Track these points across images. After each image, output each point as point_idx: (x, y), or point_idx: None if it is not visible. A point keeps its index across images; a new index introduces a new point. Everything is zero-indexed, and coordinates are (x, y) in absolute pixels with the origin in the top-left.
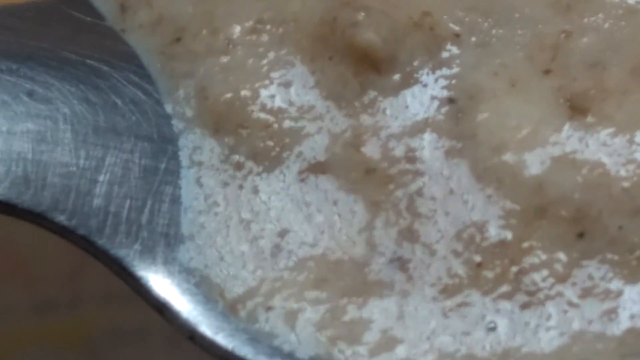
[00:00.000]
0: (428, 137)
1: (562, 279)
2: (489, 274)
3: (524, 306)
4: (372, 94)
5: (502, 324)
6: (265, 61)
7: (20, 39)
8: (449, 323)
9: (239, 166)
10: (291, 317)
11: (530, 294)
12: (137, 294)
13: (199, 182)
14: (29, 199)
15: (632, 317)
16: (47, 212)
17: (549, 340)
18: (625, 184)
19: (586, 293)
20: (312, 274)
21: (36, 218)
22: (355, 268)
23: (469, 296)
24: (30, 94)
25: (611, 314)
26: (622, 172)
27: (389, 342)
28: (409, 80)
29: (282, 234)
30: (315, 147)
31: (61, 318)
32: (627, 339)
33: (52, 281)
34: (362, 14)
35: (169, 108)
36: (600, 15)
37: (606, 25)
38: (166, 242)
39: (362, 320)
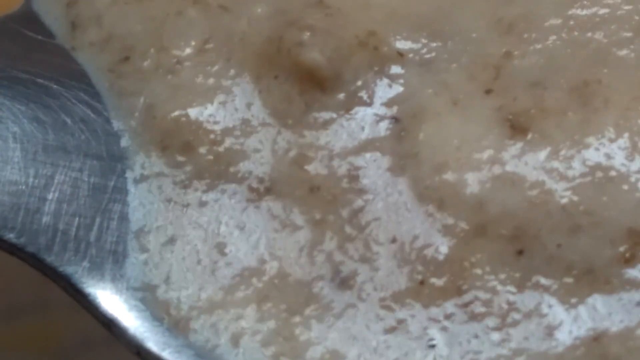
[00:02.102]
0: (371, 155)
1: (500, 297)
2: (431, 291)
3: (466, 323)
4: (317, 112)
5: (442, 340)
6: (212, 80)
7: None
8: (391, 339)
9: (184, 184)
10: (235, 334)
11: (470, 309)
12: (86, 310)
13: (146, 200)
14: None
15: (569, 334)
16: None
17: (488, 356)
18: (564, 202)
19: (525, 310)
20: (254, 292)
21: None
22: (298, 285)
23: (412, 313)
24: None
25: (549, 331)
26: (561, 191)
27: (332, 359)
28: (354, 99)
29: (226, 251)
30: (260, 165)
31: (30, 324)
32: (565, 356)
33: (20, 287)
34: (308, 33)
35: (117, 126)
36: (541, 36)
37: (547, 46)
38: (114, 259)
39: (306, 337)
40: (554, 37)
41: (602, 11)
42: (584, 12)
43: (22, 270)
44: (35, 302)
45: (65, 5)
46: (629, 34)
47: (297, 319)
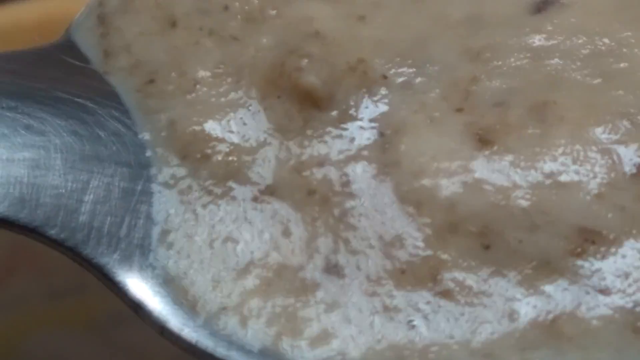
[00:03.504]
0: (360, 164)
1: (470, 285)
2: (411, 279)
3: (441, 307)
4: (314, 127)
5: (421, 321)
6: (224, 99)
7: (19, 80)
8: (376, 320)
9: (200, 188)
10: (243, 316)
11: (445, 295)
12: (116, 295)
13: (168, 202)
14: (24, 217)
15: (529, 317)
16: (40, 227)
17: (461, 334)
18: (523, 204)
19: (492, 297)
20: (259, 279)
21: (31, 232)
22: (296, 274)
23: (395, 298)
24: (27, 127)
25: (512, 314)
26: (521, 194)
27: (325, 337)
28: (345, 116)
29: (236, 246)
30: (265, 172)
31: (70, 303)
32: (527, 335)
33: (62, 272)
34: (306, 60)
35: (144, 138)
36: (504, 62)
37: (509, 71)
38: (141, 252)
39: (303, 318)
40: (516, 64)
41: (557, 43)
42: (542, 43)
43: (64, 258)
44: (74, 285)
45: (99, 36)
46: (578, 63)
47: (295, 303)
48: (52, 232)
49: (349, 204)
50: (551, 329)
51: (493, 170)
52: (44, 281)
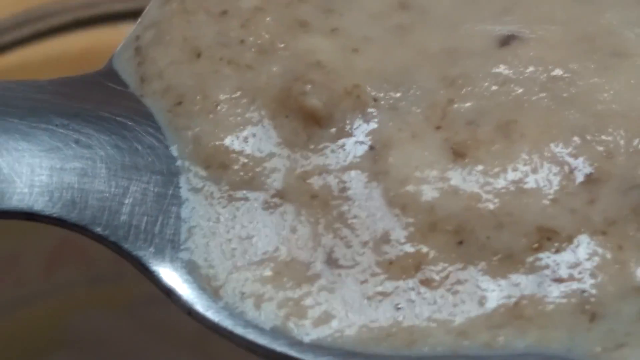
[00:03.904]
0: (354, 172)
1: (447, 274)
2: (397, 270)
3: (423, 293)
4: (316, 142)
5: (406, 304)
6: (240, 118)
7: (70, 102)
8: (369, 303)
9: (221, 193)
10: (258, 300)
11: (426, 283)
12: (151, 282)
13: (194, 204)
14: (75, 216)
15: (496, 301)
16: (88, 225)
17: (439, 316)
18: (491, 207)
19: (465, 284)
20: (271, 269)
21: (81, 229)
22: (302, 265)
23: (384, 285)
24: (77, 141)
25: (481, 299)
26: (489, 199)
27: (326, 318)
28: (342, 133)
29: (251, 241)
30: (276, 179)
31: (109, 287)
32: (494, 316)
33: (102, 261)
34: (309, 86)
35: (174, 151)
36: (475, 88)
37: (479, 95)
38: (172, 246)
39: (307, 302)
40: (485, 89)
41: (519, 72)
42: (506, 72)
43: (103, 249)
44: (112, 273)
45: (136, 65)
46: (536, 88)
47: (301, 289)
48: (99, 229)
49: (346, 206)
50: (514, 311)
51: (465, 179)
52: (86, 269)
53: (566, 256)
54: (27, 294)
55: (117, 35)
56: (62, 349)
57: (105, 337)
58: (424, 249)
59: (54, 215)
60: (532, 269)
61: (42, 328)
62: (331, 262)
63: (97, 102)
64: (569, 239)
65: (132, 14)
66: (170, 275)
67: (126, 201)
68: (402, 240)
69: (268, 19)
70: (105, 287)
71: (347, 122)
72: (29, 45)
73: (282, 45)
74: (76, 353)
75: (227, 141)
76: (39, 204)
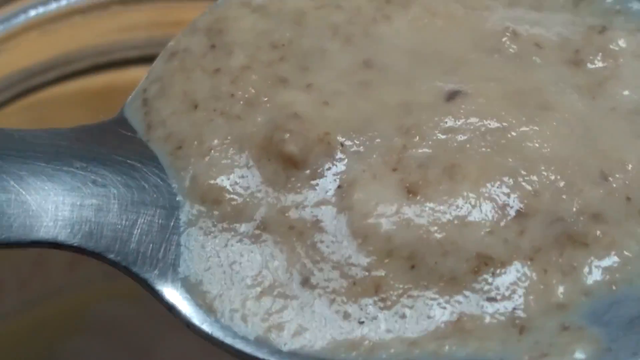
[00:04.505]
0: (325, 207)
1: (401, 294)
2: (360, 290)
3: (381, 309)
4: (293, 181)
5: (367, 320)
6: (230, 161)
7: (88, 147)
8: (336, 318)
9: (214, 224)
10: (245, 315)
11: (384, 301)
12: (156, 299)
13: (192, 234)
14: (92, 245)
15: (441, 317)
16: (103, 252)
17: (395, 328)
18: (438, 237)
19: (417, 302)
20: (256, 290)
21: (97, 256)
22: (281, 286)
23: (349, 304)
24: (94, 182)
25: (429, 314)
26: (436, 229)
27: (301, 331)
28: (315, 174)
29: (239, 266)
30: (259, 213)
31: (124, 282)
32: (440, 329)
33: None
34: (288, 134)
35: (175, 189)
36: (425, 137)
37: (429, 142)
38: (173, 270)
39: (285, 317)
40: (433, 137)
41: (462, 123)
42: (451, 123)
43: None
44: None
45: (143, 114)
46: (476, 136)
47: (281, 306)
48: (112, 256)
49: (318, 236)
50: (457, 325)
51: (417, 213)
52: (104, 266)
53: (500, 279)
54: (53, 288)
55: (129, 77)
56: (84, 334)
57: (121, 324)
58: (382, 273)
59: (75, 244)
60: (472, 290)
61: (66, 317)
62: (306, 283)
63: (111, 147)
64: (503, 264)
65: (142, 60)
66: (171, 293)
67: (135, 232)
68: (364, 265)
69: (254, 76)
70: (120, 281)
71: (320, 164)
72: (56, 85)
73: (265, 99)
74: (96, 338)
75: (219, 180)
76: (62, 236)
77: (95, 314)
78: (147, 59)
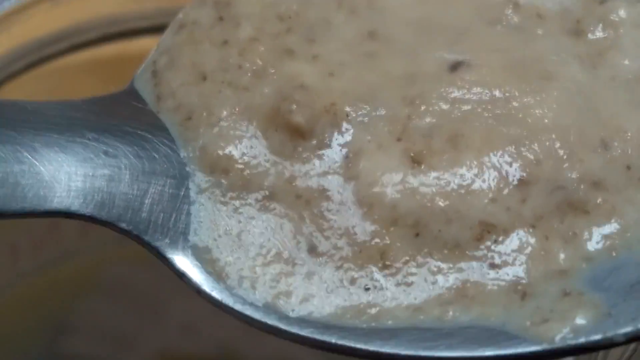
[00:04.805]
0: (332, 176)
1: (406, 261)
2: (365, 257)
3: (386, 276)
4: (300, 151)
5: (372, 286)
6: (238, 132)
7: (100, 118)
8: (343, 285)
9: (222, 193)
10: (253, 282)
11: (389, 268)
12: (167, 266)
13: (202, 202)
14: (104, 215)
15: (445, 282)
16: (115, 221)
17: (400, 295)
18: (442, 205)
19: (422, 269)
20: (264, 258)
21: (109, 225)
22: (289, 254)
23: (355, 270)
24: (105, 152)
25: (434, 281)
26: (440, 198)
27: (308, 297)
28: (322, 144)
29: (248, 234)
30: (267, 182)
31: (134, 246)
32: (444, 295)
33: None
34: (294, 105)
35: (185, 159)
36: (430, 106)
37: (433, 113)
38: (184, 238)
39: (293, 284)
40: (437, 107)
41: (465, 92)
42: (455, 93)
43: None
44: None
45: (153, 85)
46: (480, 107)
47: (287, 274)
48: (124, 225)
49: (324, 205)
50: (460, 291)
51: (422, 182)
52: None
53: (503, 246)
54: (67, 251)
55: (139, 47)
56: (97, 296)
57: (132, 286)
58: (387, 240)
59: (87, 214)
60: (475, 257)
61: (79, 279)
62: (313, 251)
63: (122, 118)
64: (505, 232)
65: (152, 30)
66: (182, 261)
67: (146, 201)
68: (369, 233)
69: (261, 48)
70: (132, 245)
71: (326, 135)
72: (68, 55)
73: (272, 70)
74: (108, 299)
75: (228, 150)
76: (75, 205)
77: (108, 276)
78: (158, 29)
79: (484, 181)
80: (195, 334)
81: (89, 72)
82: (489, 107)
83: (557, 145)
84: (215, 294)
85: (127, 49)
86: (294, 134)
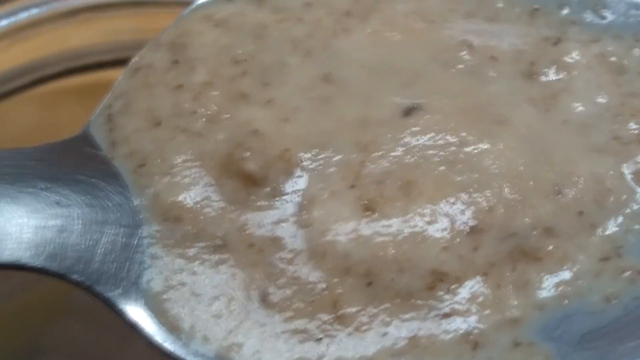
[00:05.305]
0: (285, 224)
1: (358, 311)
2: (318, 307)
3: (337, 327)
4: (253, 199)
5: (324, 336)
6: (192, 179)
7: (52, 167)
8: (294, 337)
9: (176, 242)
10: (206, 333)
11: (340, 319)
12: (118, 317)
13: (154, 253)
14: (55, 267)
15: (397, 335)
16: (67, 273)
17: (352, 345)
18: (393, 252)
19: (373, 319)
20: (217, 309)
21: (60, 276)
22: (241, 305)
23: (305, 321)
24: (57, 202)
25: (385, 332)
26: (393, 247)
27: (260, 349)
28: (275, 191)
29: (201, 284)
30: (219, 231)
31: None
32: (397, 345)
33: None
34: (248, 152)
35: (138, 207)
36: (383, 154)
37: (386, 159)
38: (136, 288)
39: (245, 336)
40: (391, 153)
41: (418, 138)
42: (409, 138)
43: None
44: None
45: (107, 130)
46: (433, 152)
47: (241, 325)
48: (75, 277)
49: (278, 254)
50: (413, 341)
51: (374, 230)
52: None
53: (455, 295)
54: (37, 275)
55: (106, 74)
56: (69, 317)
57: (103, 307)
58: (340, 290)
59: (38, 266)
60: (428, 306)
61: (52, 301)
62: (265, 301)
63: (74, 166)
64: (458, 280)
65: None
66: (134, 311)
67: (98, 251)
68: (322, 282)
69: (215, 92)
70: None
71: (280, 182)
72: (31, 89)
73: (226, 116)
74: (80, 321)
75: (181, 198)
76: (26, 257)
77: (80, 299)
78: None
79: (436, 229)
80: (167, 356)
81: (79, 96)
82: (442, 152)
83: (509, 191)
84: (168, 345)
85: (89, 81)
86: (248, 181)
